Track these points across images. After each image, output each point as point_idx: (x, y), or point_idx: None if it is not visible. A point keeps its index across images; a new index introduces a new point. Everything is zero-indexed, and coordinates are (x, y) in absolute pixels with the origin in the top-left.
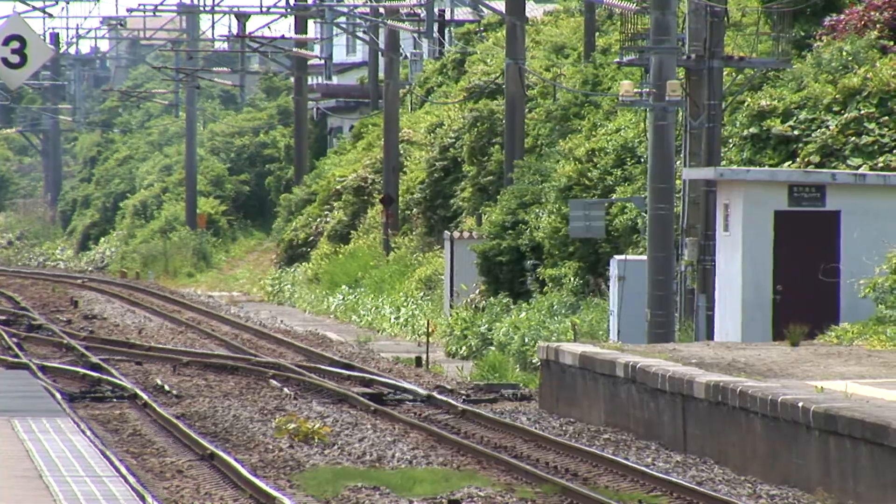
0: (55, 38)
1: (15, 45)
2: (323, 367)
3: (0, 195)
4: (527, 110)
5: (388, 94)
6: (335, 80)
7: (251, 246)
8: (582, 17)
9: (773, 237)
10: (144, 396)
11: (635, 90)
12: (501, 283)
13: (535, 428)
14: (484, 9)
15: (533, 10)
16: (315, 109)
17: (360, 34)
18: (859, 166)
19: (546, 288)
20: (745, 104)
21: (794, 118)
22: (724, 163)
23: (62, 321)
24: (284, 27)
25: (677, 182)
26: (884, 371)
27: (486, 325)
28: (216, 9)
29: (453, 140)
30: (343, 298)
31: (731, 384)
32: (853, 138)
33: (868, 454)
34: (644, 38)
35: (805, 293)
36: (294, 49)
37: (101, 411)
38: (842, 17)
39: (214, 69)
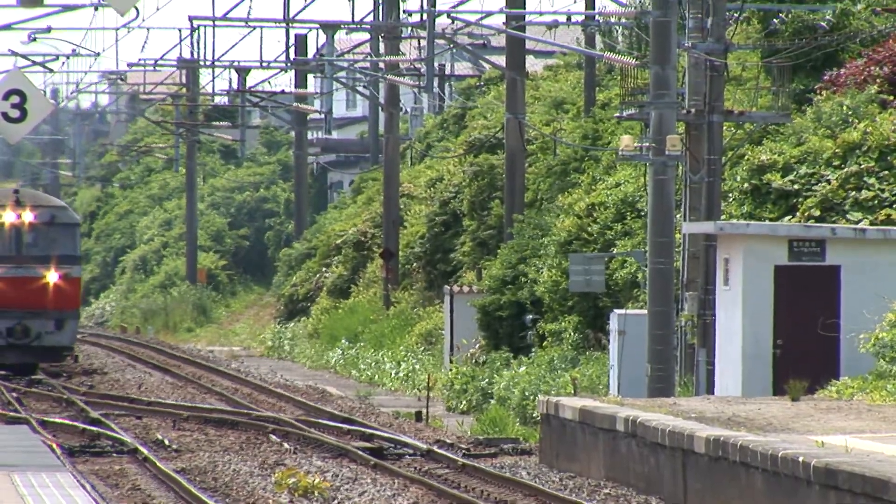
0: (55, 92)
1: (15, 99)
2: (323, 421)
3: None
4: (527, 164)
5: (388, 149)
6: (335, 134)
7: (251, 300)
8: (582, 72)
9: (774, 292)
10: (144, 451)
11: (635, 144)
12: (501, 338)
13: (536, 482)
14: (484, 63)
15: (533, 65)
16: (315, 164)
17: (361, 89)
18: (859, 221)
19: (546, 342)
20: (745, 158)
21: (794, 172)
22: (724, 217)
23: (62, 376)
24: (284, 81)
25: (677, 236)
26: (884, 426)
27: (487, 380)
28: (216, 63)
29: (453, 194)
30: (343, 353)
31: (731, 438)
32: (853, 193)
33: None
34: (644, 93)
35: (805, 347)
36: (294, 103)
37: (100, 466)
38: (842, 71)
39: (214, 123)
